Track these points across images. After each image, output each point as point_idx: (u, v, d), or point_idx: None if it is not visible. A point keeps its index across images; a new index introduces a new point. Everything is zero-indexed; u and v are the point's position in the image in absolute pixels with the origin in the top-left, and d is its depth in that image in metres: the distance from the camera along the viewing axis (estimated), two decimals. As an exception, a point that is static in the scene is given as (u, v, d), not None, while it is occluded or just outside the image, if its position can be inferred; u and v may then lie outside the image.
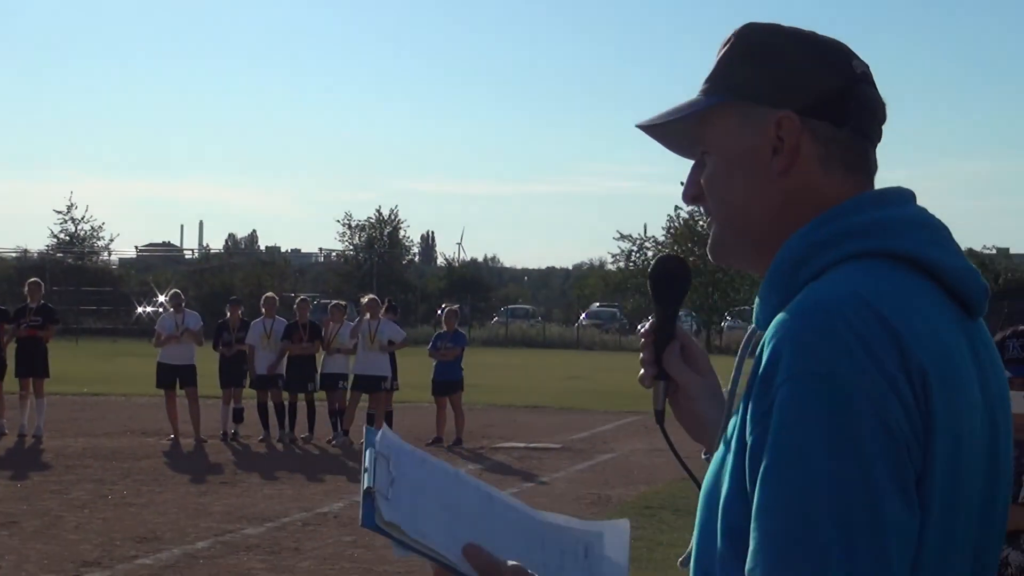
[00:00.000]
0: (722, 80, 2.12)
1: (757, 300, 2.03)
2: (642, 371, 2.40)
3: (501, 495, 2.25)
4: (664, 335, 2.37)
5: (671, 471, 17.35)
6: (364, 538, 12.18)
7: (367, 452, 2.06)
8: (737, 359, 2.18)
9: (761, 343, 1.86)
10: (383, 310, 21.42)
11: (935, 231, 1.97)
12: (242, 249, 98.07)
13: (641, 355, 2.40)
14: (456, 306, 24.13)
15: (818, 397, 1.71)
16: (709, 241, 2.17)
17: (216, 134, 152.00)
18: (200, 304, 33.20)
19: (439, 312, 25.14)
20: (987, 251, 68.32)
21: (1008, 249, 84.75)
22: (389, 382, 20.84)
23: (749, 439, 1.79)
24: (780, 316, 1.84)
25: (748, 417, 1.81)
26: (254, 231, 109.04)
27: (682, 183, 2.20)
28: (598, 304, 78.52)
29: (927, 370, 1.76)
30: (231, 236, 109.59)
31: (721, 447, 1.99)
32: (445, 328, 21.70)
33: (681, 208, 64.09)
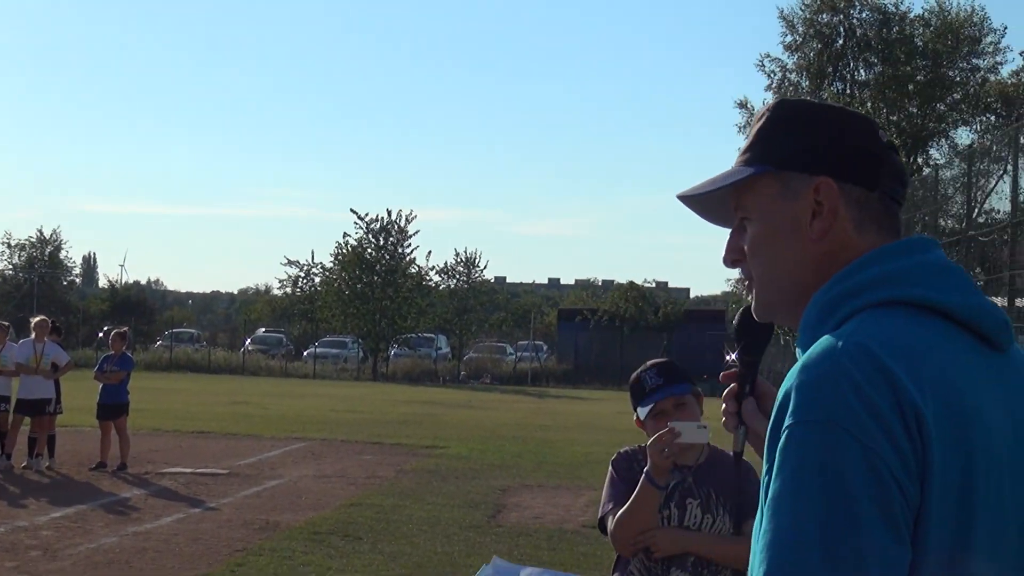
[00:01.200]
0: (762, 150, 2.27)
1: (797, 350, 2.16)
2: (724, 420, 2.56)
3: None
4: (745, 384, 2.55)
5: (340, 496, 17.32)
6: (27, 565, 11.81)
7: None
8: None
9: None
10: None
11: (950, 275, 2.12)
12: None
13: (724, 404, 2.56)
14: (124, 328, 23.52)
15: (814, 441, 1.90)
16: (754, 303, 2.34)
17: None
18: None
19: (102, 334, 24.39)
20: (647, 284, 70.48)
21: (667, 283, 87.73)
22: (53, 405, 20.24)
23: (764, 477, 2.00)
24: (796, 365, 2.01)
25: (764, 457, 2.03)
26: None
27: (724, 249, 2.34)
28: (264, 329, 77.98)
29: (923, 411, 1.91)
30: None
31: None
32: (112, 350, 21.18)
33: (350, 235, 64.13)
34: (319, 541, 13.62)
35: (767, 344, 2.56)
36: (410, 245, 63.85)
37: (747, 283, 2.34)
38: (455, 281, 67.33)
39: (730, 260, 2.33)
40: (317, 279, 67.23)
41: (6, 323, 21.30)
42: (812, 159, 2.20)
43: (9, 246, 76.34)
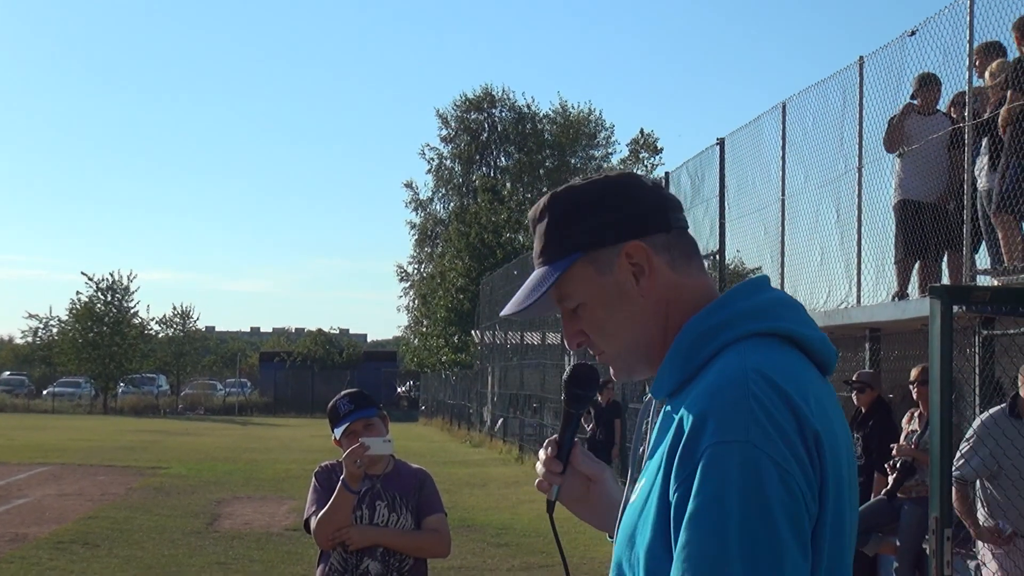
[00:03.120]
0: (560, 246, 2.05)
1: (658, 372, 1.98)
2: (541, 472, 2.23)
3: None
4: (569, 436, 2.23)
5: (79, 511, 16.69)
6: None
7: None
8: (638, 425, 2.13)
9: (679, 413, 1.85)
10: None
11: (797, 310, 2.00)
12: None
13: (542, 457, 2.23)
14: None
15: (735, 460, 1.72)
16: (613, 372, 2.09)
17: None
18: None
19: None
20: (332, 331, 70.40)
21: (348, 329, 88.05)
22: None
23: (674, 496, 1.78)
24: (699, 390, 1.84)
25: (672, 476, 1.79)
26: None
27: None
28: (8, 372, 74.78)
29: (819, 432, 1.79)
30: None
31: (632, 512, 1.94)
32: None
33: (82, 293, 62.07)
34: (63, 549, 13.07)
35: (591, 399, 2.31)
36: (133, 300, 62.28)
37: (597, 357, 2.10)
38: (172, 330, 65.75)
39: (575, 344, 2.10)
40: (55, 329, 64.77)
41: None
42: (611, 231, 2.01)
43: None
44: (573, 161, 59.48)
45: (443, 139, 61.30)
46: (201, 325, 71.89)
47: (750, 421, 1.75)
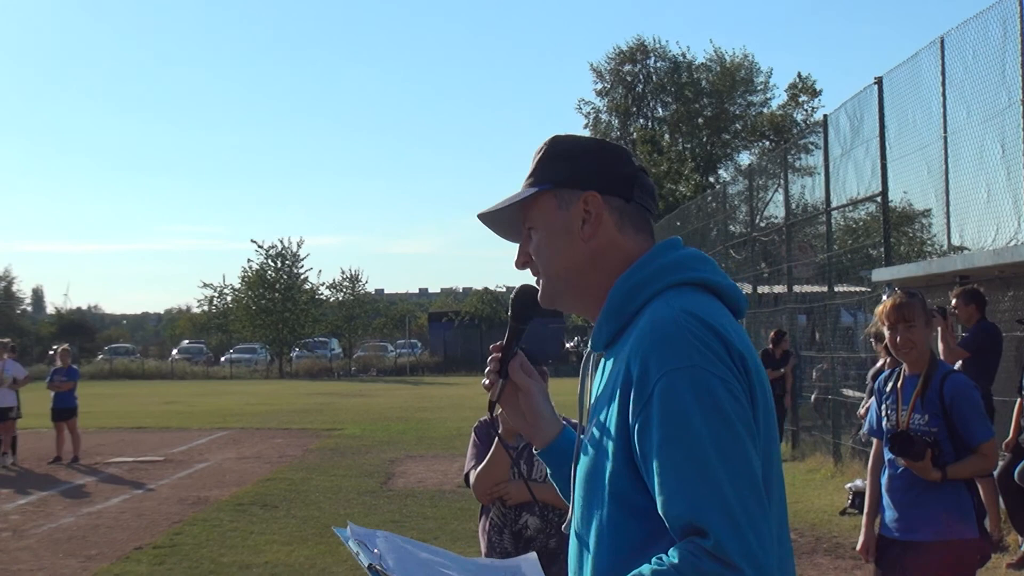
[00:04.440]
0: (541, 175, 2.39)
1: (595, 328, 2.30)
2: (488, 371, 2.57)
3: (443, 551, 2.56)
4: (512, 347, 2.56)
5: (257, 473, 17.23)
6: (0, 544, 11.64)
7: (349, 543, 2.37)
8: (580, 376, 2.43)
9: (622, 356, 2.16)
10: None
11: (709, 263, 2.31)
12: None
13: (489, 360, 2.57)
14: (66, 345, 23.00)
15: (686, 383, 2.02)
16: (540, 293, 2.44)
17: None
18: None
19: (52, 352, 23.77)
20: (498, 289, 70.66)
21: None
22: (15, 411, 19.88)
23: (635, 424, 2.07)
24: (637, 334, 2.14)
25: (630, 409, 2.08)
26: None
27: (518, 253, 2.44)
28: (187, 341, 76.92)
29: (745, 356, 2.11)
30: None
31: (590, 447, 2.23)
32: (60, 364, 20.81)
33: (253, 260, 63.71)
34: (242, 511, 13.55)
35: (532, 317, 2.57)
36: (302, 266, 63.62)
37: (536, 279, 2.44)
38: (342, 294, 66.96)
39: (520, 263, 2.44)
40: (229, 298, 66.49)
41: (6, 340, 20.82)
42: (581, 178, 2.34)
43: (-33, 283, 74.54)
44: (731, 108, 58.47)
45: (598, 93, 60.84)
46: (370, 288, 73.03)
47: (691, 349, 2.04)
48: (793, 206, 20.11)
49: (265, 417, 28.94)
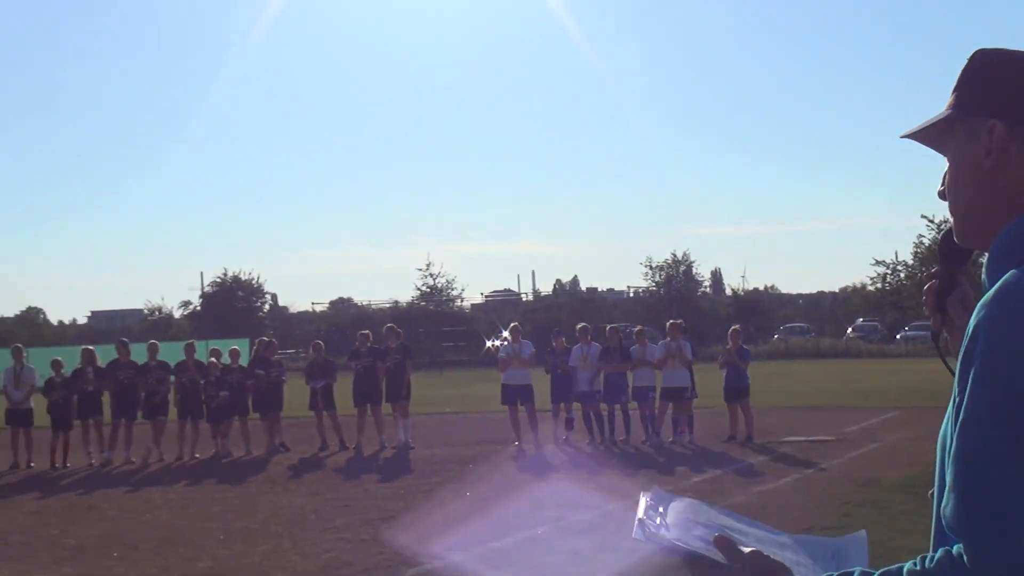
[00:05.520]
0: (957, 98, 2.10)
1: (984, 280, 2.01)
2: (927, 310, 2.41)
3: (757, 523, 2.36)
4: (947, 286, 2.35)
5: (931, 455, 16.66)
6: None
7: (642, 498, 2.31)
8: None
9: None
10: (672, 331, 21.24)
11: None
12: (567, 291, 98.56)
13: (925, 298, 2.40)
14: (737, 326, 23.40)
15: (1003, 370, 1.74)
16: (953, 230, 2.17)
17: (536, 202, 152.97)
18: (534, 336, 33.26)
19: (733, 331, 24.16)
20: None
21: None
22: (690, 391, 20.66)
23: (956, 397, 1.84)
24: (984, 298, 1.85)
25: (956, 379, 1.85)
26: (575, 276, 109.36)
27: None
28: (861, 319, 76.65)
29: None
30: (558, 281, 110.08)
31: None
32: (731, 344, 21.35)
33: (924, 236, 62.35)
34: (914, 493, 13.14)
35: (967, 258, 2.31)
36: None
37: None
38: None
39: (941, 194, 2.14)
40: (902, 274, 65.53)
41: (644, 328, 21.86)
42: (988, 105, 2.01)
43: (651, 268, 78.84)
44: None
45: None
46: None
47: (1019, 332, 1.74)
48: None
49: (942, 396, 28.03)
